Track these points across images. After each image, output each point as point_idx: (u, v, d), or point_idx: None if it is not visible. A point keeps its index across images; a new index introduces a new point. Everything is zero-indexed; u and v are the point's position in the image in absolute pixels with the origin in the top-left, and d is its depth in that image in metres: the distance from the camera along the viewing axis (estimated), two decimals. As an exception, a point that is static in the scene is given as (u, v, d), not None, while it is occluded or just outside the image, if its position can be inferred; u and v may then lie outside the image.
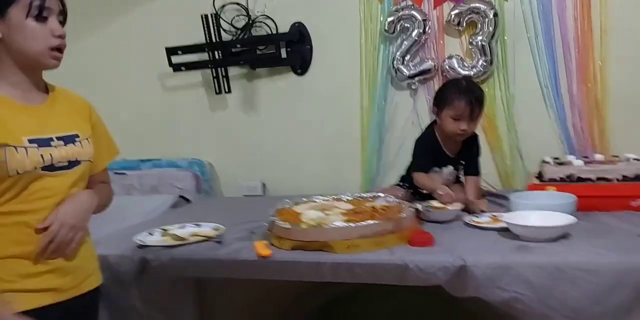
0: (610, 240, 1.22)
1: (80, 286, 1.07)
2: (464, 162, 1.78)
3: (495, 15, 1.98)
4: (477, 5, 1.99)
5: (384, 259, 1.21)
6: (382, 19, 2.17)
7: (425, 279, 1.16)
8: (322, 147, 2.39)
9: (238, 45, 2.40)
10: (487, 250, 1.22)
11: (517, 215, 1.34)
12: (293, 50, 2.36)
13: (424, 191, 1.73)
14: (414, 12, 2.08)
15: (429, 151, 1.73)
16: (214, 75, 2.43)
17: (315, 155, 2.41)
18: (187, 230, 1.58)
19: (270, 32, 2.36)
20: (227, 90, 2.45)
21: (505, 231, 1.34)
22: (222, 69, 2.42)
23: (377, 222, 1.29)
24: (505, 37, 2.05)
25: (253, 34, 2.39)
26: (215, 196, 2.57)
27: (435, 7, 2.11)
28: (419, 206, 1.49)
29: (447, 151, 1.74)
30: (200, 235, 1.49)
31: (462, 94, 1.64)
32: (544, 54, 2.01)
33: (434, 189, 1.63)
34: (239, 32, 2.40)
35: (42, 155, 0.97)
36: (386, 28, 2.13)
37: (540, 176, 1.71)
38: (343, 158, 2.35)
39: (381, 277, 1.20)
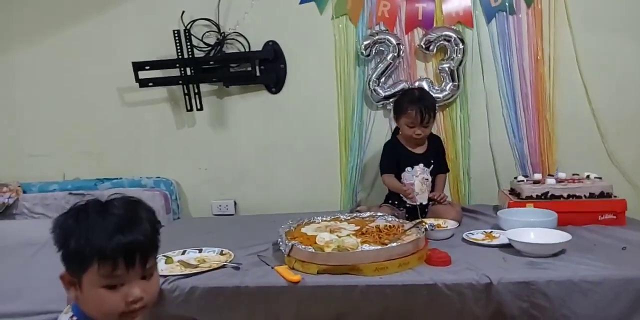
0: (601, 254, 1.39)
1: None
2: (433, 162, 1.97)
3: (463, 42, 2.15)
4: (448, 33, 2.15)
5: (412, 280, 1.27)
6: (356, 41, 2.25)
7: (453, 297, 1.24)
8: (296, 164, 2.41)
9: (211, 62, 2.34)
10: (503, 266, 1.34)
11: (518, 233, 1.48)
12: (267, 68, 2.36)
13: (408, 205, 1.89)
14: (388, 37, 2.19)
15: (393, 154, 1.97)
16: (185, 92, 2.35)
17: (289, 173, 2.42)
18: (191, 256, 1.52)
19: (242, 50, 2.34)
20: (199, 108, 2.38)
21: (506, 247, 1.47)
22: (194, 85, 2.36)
23: (400, 243, 1.34)
24: (467, 63, 2.22)
25: (225, 51, 2.36)
26: (183, 217, 2.48)
27: (406, 33, 2.25)
28: (427, 226, 1.57)
29: (414, 151, 1.96)
30: (213, 262, 1.44)
31: (414, 104, 1.88)
32: (502, 80, 2.21)
33: (399, 189, 1.90)
34: (209, 48, 2.36)
35: None
36: (362, 51, 2.22)
37: (515, 193, 1.89)
38: (318, 176, 2.38)
39: (409, 298, 1.26)
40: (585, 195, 1.75)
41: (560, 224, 1.65)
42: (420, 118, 1.87)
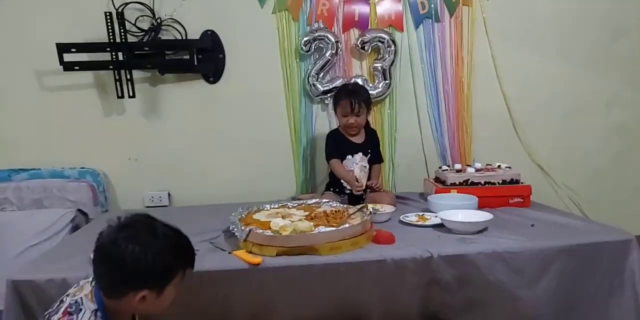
0: (515, 230, 1.63)
1: None
2: (370, 151, 2.15)
3: (395, 44, 2.33)
4: (382, 35, 2.32)
5: (364, 257, 1.40)
6: (297, 36, 2.33)
7: (398, 270, 1.39)
8: (235, 155, 2.43)
9: (146, 48, 2.27)
10: (439, 242, 1.52)
11: (448, 214, 1.68)
12: (205, 58, 2.34)
13: (347, 191, 2.04)
14: (327, 35, 2.30)
15: (336, 143, 2.12)
16: (117, 77, 2.25)
17: (228, 163, 2.43)
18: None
19: (177, 37, 2.30)
20: (131, 95, 2.29)
21: (438, 227, 1.66)
22: (126, 71, 2.26)
23: (351, 224, 1.46)
24: (397, 63, 2.41)
25: (160, 38, 2.30)
26: (112, 209, 2.37)
27: (344, 32, 2.37)
28: (371, 209, 1.71)
29: (353, 140, 2.12)
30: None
31: (346, 95, 2.07)
32: (428, 80, 2.44)
33: (350, 180, 2.01)
34: (143, 33, 2.28)
35: None
36: (302, 46, 2.30)
37: (440, 181, 2.11)
38: (261, 166, 2.42)
39: (361, 273, 1.38)
40: (498, 182, 2.02)
41: (479, 207, 1.88)
42: (351, 108, 2.04)
